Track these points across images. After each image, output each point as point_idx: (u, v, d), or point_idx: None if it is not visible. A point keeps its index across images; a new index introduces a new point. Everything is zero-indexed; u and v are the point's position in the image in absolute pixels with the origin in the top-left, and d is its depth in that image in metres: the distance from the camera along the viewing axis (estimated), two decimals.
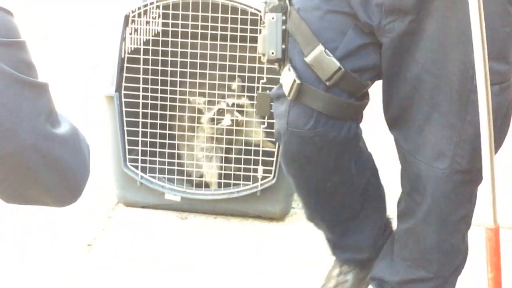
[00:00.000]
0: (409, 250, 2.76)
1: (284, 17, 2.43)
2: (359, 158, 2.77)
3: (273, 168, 3.75)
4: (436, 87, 2.41)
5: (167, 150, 3.81)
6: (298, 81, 2.43)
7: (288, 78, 2.47)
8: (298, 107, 2.51)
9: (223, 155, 3.84)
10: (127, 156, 3.84)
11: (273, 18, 2.44)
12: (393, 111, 2.59)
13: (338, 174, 2.71)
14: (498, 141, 2.41)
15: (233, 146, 3.81)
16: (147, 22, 3.83)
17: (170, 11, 3.68)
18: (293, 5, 2.45)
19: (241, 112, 3.76)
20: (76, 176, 1.38)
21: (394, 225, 2.96)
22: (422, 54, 2.40)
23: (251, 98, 3.72)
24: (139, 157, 3.83)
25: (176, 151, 3.83)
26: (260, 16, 3.56)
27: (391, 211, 3.36)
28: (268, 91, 3.67)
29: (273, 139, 3.67)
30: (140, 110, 3.77)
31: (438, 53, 2.38)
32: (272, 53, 2.46)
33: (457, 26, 2.30)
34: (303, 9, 2.44)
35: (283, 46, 2.45)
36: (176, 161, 3.82)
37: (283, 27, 2.44)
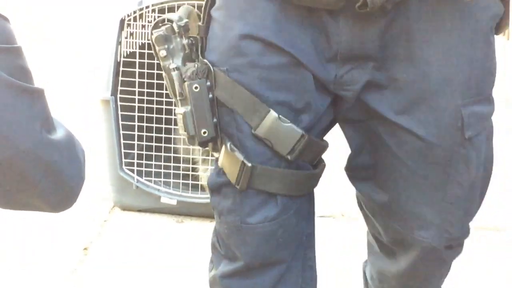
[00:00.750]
0: None
1: (209, 83, 1.89)
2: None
3: None
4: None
5: (163, 154, 3.81)
6: (248, 164, 1.89)
7: (231, 161, 1.91)
8: (252, 196, 1.95)
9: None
10: (123, 160, 3.84)
11: (196, 88, 1.88)
12: (364, 160, 2.09)
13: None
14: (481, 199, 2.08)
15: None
16: (143, 26, 3.84)
17: (166, 15, 3.67)
18: (217, 66, 1.89)
19: None
20: (72, 182, 1.38)
21: None
22: (394, 107, 1.90)
23: None
24: (135, 161, 3.83)
25: (172, 155, 3.83)
26: None
27: None
28: None
29: None
30: (136, 114, 3.77)
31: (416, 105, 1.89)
32: (204, 132, 1.90)
33: (438, 71, 1.85)
34: (234, 69, 1.88)
35: (215, 120, 1.90)
36: (172, 164, 3.82)
37: (210, 95, 1.89)
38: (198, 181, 3.84)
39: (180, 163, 3.83)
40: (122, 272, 3.50)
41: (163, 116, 3.78)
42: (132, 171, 3.85)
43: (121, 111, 3.77)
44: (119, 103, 3.76)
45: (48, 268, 3.51)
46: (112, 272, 3.50)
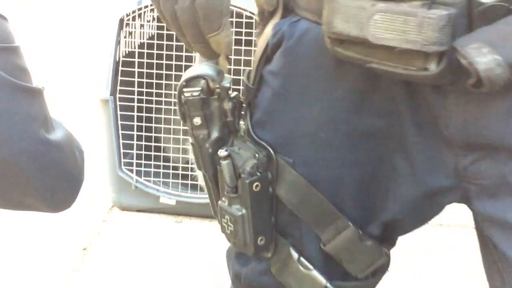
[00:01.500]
0: None
1: (270, 175, 1.43)
2: None
3: None
4: None
5: (162, 154, 3.80)
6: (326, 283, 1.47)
7: (303, 279, 1.48)
8: None
9: None
10: (122, 160, 3.83)
11: (257, 187, 1.41)
12: None
13: None
14: None
15: None
16: (142, 25, 3.83)
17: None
18: (278, 152, 1.44)
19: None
20: (70, 182, 1.38)
21: None
22: None
23: None
24: (134, 161, 3.82)
25: (171, 155, 3.82)
26: (255, 19, 3.56)
27: None
28: None
29: None
30: (135, 114, 3.76)
31: None
32: (261, 239, 1.46)
33: None
34: (304, 163, 1.41)
35: (273, 221, 1.48)
36: (171, 164, 3.81)
37: (270, 190, 1.44)
38: (197, 181, 3.83)
39: (179, 163, 3.83)
40: (121, 272, 3.50)
41: (162, 116, 3.77)
42: (131, 171, 3.84)
43: (120, 111, 3.76)
44: (118, 102, 3.76)
45: (48, 268, 3.50)
46: (111, 272, 3.50)
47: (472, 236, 1.41)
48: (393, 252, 1.54)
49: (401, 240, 1.54)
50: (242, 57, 3.65)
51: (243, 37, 3.61)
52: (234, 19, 3.60)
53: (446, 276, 3.48)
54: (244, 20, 3.59)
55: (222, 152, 1.44)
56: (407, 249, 3.66)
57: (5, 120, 1.23)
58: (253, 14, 3.56)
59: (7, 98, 1.23)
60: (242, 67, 3.66)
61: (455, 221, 3.93)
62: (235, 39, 3.63)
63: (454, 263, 3.55)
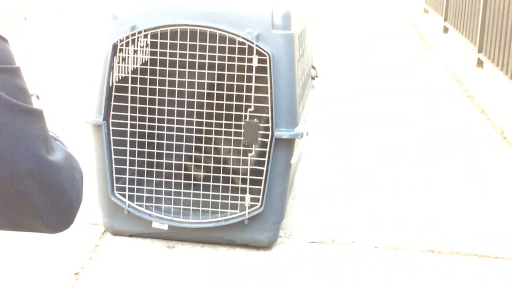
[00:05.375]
0: None
1: None
2: None
3: (260, 197, 3.75)
4: None
5: (154, 179, 3.81)
6: None
7: None
8: None
9: (211, 183, 3.84)
10: (115, 185, 3.83)
11: None
12: None
13: None
14: None
15: (221, 175, 3.81)
16: (135, 51, 3.85)
17: (158, 40, 3.70)
18: None
19: (229, 141, 3.77)
20: (70, 203, 1.37)
21: None
22: None
23: (238, 126, 3.73)
24: (127, 186, 3.83)
25: (163, 180, 3.83)
26: (248, 45, 3.59)
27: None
28: (255, 120, 3.70)
29: (261, 168, 3.71)
30: (128, 139, 3.77)
31: None
32: None
33: None
34: None
35: None
36: (163, 189, 3.81)
37: None
38: (189, 205, 3.83)
39: (171, 187, 3.83)
40: None
41: (155, 141, 3.78)
42: (124, 195, 3.85)
43: (113, 135, 3.77)
44: (111, 127, 3.77)
45: None
46: None
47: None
48: None
49: None
50: (235, 83, 3.67)
51: (236, 63, 3.63)
52: (227, 45, 3.63)
53: None
54: (236, 46, 3.61)
55: None
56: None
57: (6, 140, 1.23)
58: (246, 40, 3.58)
59: (8, 118, 1.23)
60: (234, 93, 3.68)
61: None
62: (228, 65, 3.66)
63: None
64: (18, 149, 1.26)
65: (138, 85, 3.73)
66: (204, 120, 3.75)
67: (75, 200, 1.39)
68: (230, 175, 3.87)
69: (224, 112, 3.73)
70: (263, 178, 3.72)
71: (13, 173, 1.27)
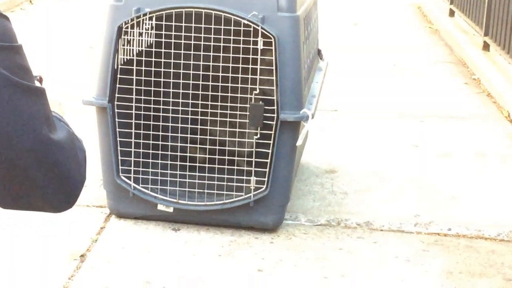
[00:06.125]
0: None
1: None
2: None
3: (266, 179, 3.75)
4: None
5: (159, 161, 3.81)
6: None
7: None
8: None
9: (216, 165, 3.84)
10: (120, 167, 3.83)
11: None
12: None
13: None
14: None
15: (226, 157, 3.81)
16: (140, 34, 3.84)
17: (163, 22, 3.69)
18: None
19: (234, 123, 3.77)
20: (72, 182, 1.37)
21: None
22: None
23: (244, 109, 3.73)
24: (132, 168, 3.83)
25: (169, 162, 3.83)
26: (253, 28, 3.58)
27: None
28: (261, 102, 3.69)
29: (266, 150, 3.71)
30: (133, 121, 3.77)
31: None
32: None
33: None
34: None
35: None
36: (169, 171, 3.81)
37: None
38: (195, 188, 3.84)
39: (176, 170, 3.83)
40: (118, 279, 3.49)
41: (160, 123, 3.78)
42: (129, 178, 3.85)
43: (118, 118, 3.77)
44: (116, 110, 3.76)
45: (45, 276, 3.50)
46: (108, 279, 3.49)
47: None
48: None
49: None
50: (240, 65, 3.66)
51: (241, 45, 3.62)
52: (232, 27, 3.62)
53: None
54: (242, 28, 3.60)
55: None
56: None
57: (8, 119, 1.23)
58: (251, 22, 3.57)
59: (8, 96, 1.23)
60: (240, 75, 3.67)
61: None
62: (233, 47, 3.64)
63: None
64: (20, 127, 1.26)
65: (143, 68, 3.73)
66: (209, 103, 3.75)
67: (78, 178, 1.39)
68: (236, 158, 3.86)
69: (229, 94, 3.72)
70: (268, 160, 3.72)
71: (15, 151, 1.26)
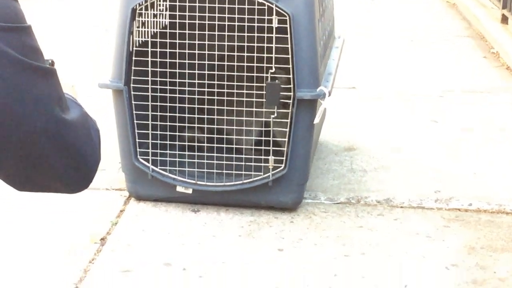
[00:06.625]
0: None
1: None
2: None
3: (284, 158, 3.74)
4: None
5: (177, 143, 3.80)
6: None
7: None
8: None
9: (234, 146, 3.82)
10: (138, 150, 3.83)
11: None
12: None
13: None
14: None
15: (243, 137, 3.80)
16: (155, 15, 3.82)
17: (177, 3, 3.66)
18: None
19: (251, 103, 3.75)
20: (87, 162, 1.37)
21: None
22: None
23: (260, 88, 3.70)
24: (150, 150, 3.82)
25: (186, 143, 3.82)
26: (268, 6, 3.55)
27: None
28: (277, 81, 3.67)
29: (284, 129, 3.69)
30: (150, 103, 3.76)
31: None
32: None
33: None
34: None
35: None
36: (187, 153, 3.80)
37: None
38: (213, 169, 3.83)
39: (195, 151, 3.82)
40: (139, 262, 3.50)
41: (177, 104, 3.76)
42: (147, 160, 3.84)
43: (134, 100, 3.76)
44: (132, 93, 3.75)
45: (66, 259, 3.51)
46: (129, 262, 3.49)
47: None
48: None
49: None
50: (255, 44, 3.63)
51: (256, 24, 3.59)
52: (246, 6, 3.59)
53: None
54: (256, 7, 3.57)
55: None
56: None
57: (20, 100, 1.22)
58: (265, 0, 3.54)
59: (20, 78, 1.22)
60: (255, 54, 3.65)
61: None
62: (248, 26, 3.62)
63: None
64: (32, 108, 1.25)
65: (158, 49, 3.71)
66: (225, 83, 3.72)
67: (93, 158, 1.38)
68: (253, 137, 3.84)
69: (245, 74, 3.70)
70: (286, 139, 3.70)
71: (28, 132, 1.26)
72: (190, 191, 3.87)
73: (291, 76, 3.62)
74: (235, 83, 3.72)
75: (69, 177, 1.36)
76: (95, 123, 1.42)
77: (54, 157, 1.31)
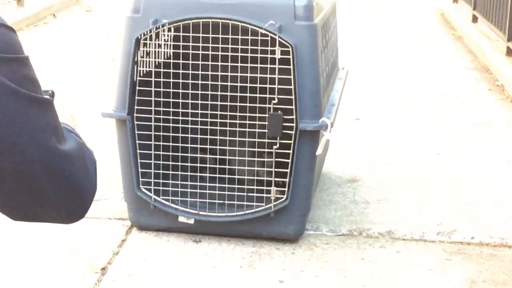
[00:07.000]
0: None
1: None
2: None
3: (286, 189, 3.73)
4: None
5: (179, 173, 3.80)
6: None
7: None
8: None
9: (236, 176, 3.82)
10: (140, 179, 3.83)
11: None
12: None
13: None
14: None
15: (246, 168, 3.80)
16: (159, 45, 3.84)
17: (181, 34, 3.68)
18: None
19: (253, 134, 3.75)
20: (82, 192, 1.37)
21: None
22: None
23: (262, 119, 3.71)
24: (152, 180, 3.82)
25: (189, 173, 3.82)
26: (271, 37, 3.57)
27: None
28: (279, 112, 3.67)
29: (286, 160, 3.69)
30: (153, 133, 3.77)
31: None
32: None
33: None
34: None
35: None
36: (189, 183, 3.80)
37: None
38: (215, 199, 3.82)
39: (197, 181, 3.82)
40: None
41: (180, 134, 3.77)
42: (150, 190, 3.84)
43: (137, 130, 3.77)
44: (135, 122, 3.76)
45: None
46: None
47: None
48: None
49: None
50: (258, 75, 3.64)
51: (259, 55, 3.61)
52: (249, 37, 3.61)
53: None
54: (259, 37, 3.59)
55: None
56: None
57: (15, 130, 1.23)
58: (268, 31, 3.56)
59: (17, 108, 1.23)
60: (258, 85, 3.66)
61: None
62: (251, 57, 3.63)
63: None
64: (28, 138, 1.26)
65: (162, 79, 3.72)
66: (228, 113, 3.73)
67: (88, 189, 1.38)
68: (255, 168, 3.85)
69: (248, 104, 3.71)
70: (288, 170, 3.70)
71: (24, 163, 1.26)
72: (192, 221, 3.87)
73: (293, 107, 3.63)
74: (238, 114, 3.73)
75: (64, 207, 1.37)
76: (92, 153, 1.43)
77: (49, 187, 1.31)
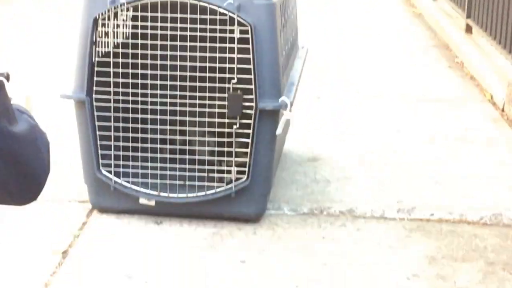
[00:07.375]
0: None
1: None
2: None
3: (246, 169, 3.73)
4: None
5: (140, 154, 3.78)
6: None
7: None
8: None
9: (197, 157, 3.81)
10: (100, 161, 3.80)
11: None
12: None
13: None
14: None
15: (206, 148, 3.79)
16: (117, 25, 3.80)
17: (139, 13, 3.65)
18: None
19: (212, 114, 3.74)
20: (35, 174, 1.36)
21: None
22: None
23: (222, 98, 3.69)
24: (112, 162, 3.80)
25: (149, 155, 3.80)
26: (229, 16, 3.55)
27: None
28: (239, 92, 3.67)
29: (246, 140, 3.69)
30: (112, 114, 3.74)
31: None
32: None
33: None
34: None
35: None
36: (149, 164, 3.78)
37: None
38: (176, 180, 3.81)
39: (157, 162, 3.80)
40: (100, 275, 3.47)
41: (139, 115, 3.75)
42: (110, 172, 3.82)
43: (96, 111, 3.74)
44: (94, 103, 3.73)
45: (27, 272, 3.47)
46: (90, 275, 3.47)
47: None
48: None
49: None
50: (217, 54, 3.63)
51: (218, 34, 3.59)
52: (208, 16, 3.58)
53: None
54: (218, 17, 3.57)
55: None
56: None
57: None
58: (227, 11, 3.54)
59: None
60: (217, 65, 3.64)
61: None
62: (210, 36, 3.61)
63: None
64: None
65: (121, 60, 3.69)
66: (188, 93, 3.71)
67: (40, 171, 1.38)
68: (215, 148, 3.84)
69: (207, 84, 3.69)
70: (248, 150, 3.69)
71: None
72: (153, 203, 3.85)
73: (253, 86, 3.62)
74: (197, 94, 3.71)
75: (16, 189, 1.36)
76: (45, 135, 1.42)
77: (1, 169, 1.30)
